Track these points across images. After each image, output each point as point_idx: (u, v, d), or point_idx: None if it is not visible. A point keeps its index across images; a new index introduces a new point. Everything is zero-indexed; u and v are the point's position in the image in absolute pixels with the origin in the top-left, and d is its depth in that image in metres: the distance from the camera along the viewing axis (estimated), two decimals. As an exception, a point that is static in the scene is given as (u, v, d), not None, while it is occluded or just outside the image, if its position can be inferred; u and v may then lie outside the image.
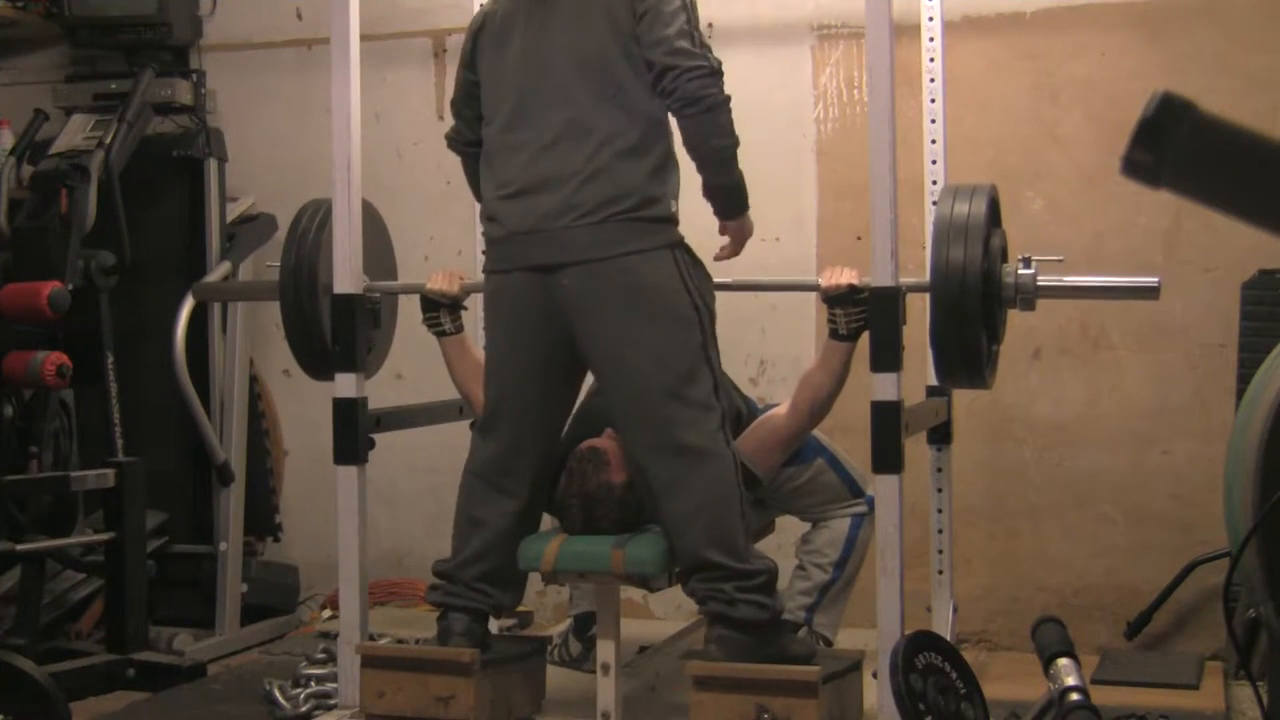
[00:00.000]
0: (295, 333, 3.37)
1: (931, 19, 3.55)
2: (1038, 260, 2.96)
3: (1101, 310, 3.94)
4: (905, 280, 2.93)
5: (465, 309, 3.31)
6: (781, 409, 3.18)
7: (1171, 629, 3.89)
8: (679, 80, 2.82)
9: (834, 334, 3.01)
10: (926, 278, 2.97)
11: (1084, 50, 3.99)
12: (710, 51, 2.86)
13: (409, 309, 3.48)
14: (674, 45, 2.83)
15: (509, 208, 2.94)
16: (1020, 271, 2.93)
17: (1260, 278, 3.70)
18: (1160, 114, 1.35)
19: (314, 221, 3.36)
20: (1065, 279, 3.02)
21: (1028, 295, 2.94)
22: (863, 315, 2.94)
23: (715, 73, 2.85)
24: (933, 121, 3.54)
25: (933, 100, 3.54)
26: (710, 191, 2.96)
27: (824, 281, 3.00)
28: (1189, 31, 3.89)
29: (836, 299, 2.98)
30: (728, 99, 2.88)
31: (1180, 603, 3.83)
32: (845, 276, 2.96)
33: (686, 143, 2.91)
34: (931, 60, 3.55)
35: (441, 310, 3.26)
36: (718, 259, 3.05)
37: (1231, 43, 3.86)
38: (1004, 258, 2.98)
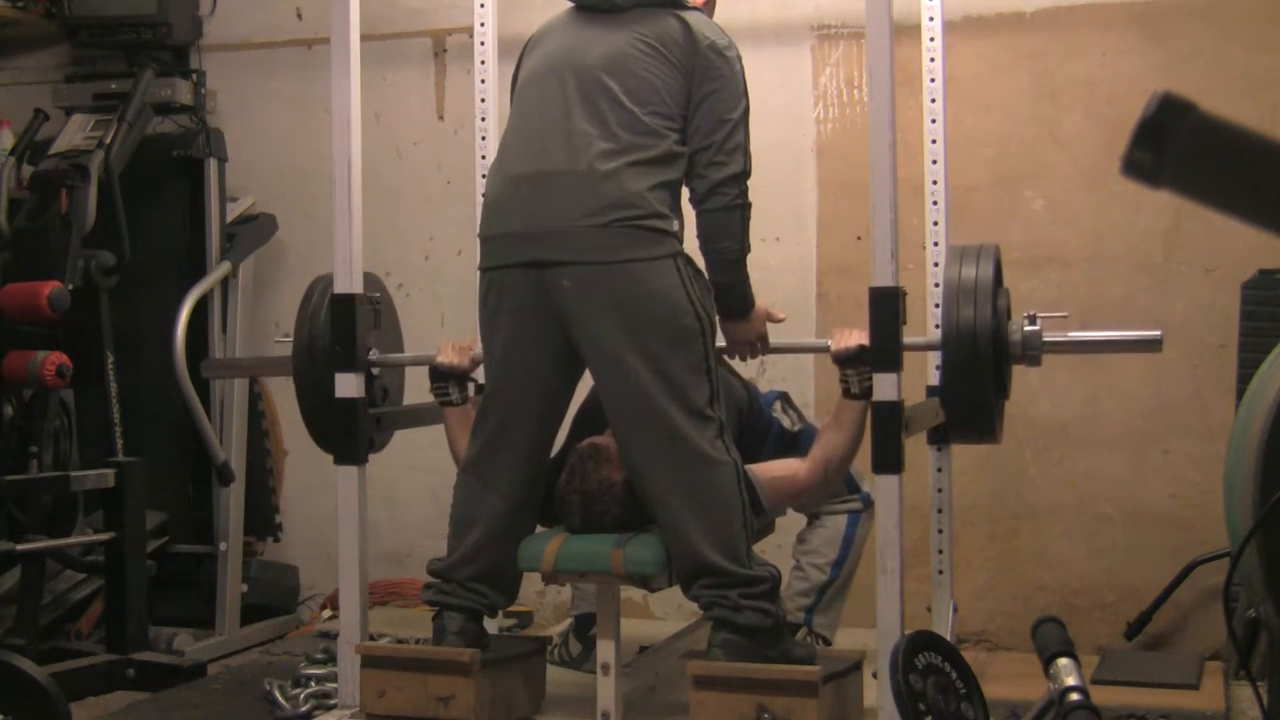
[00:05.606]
0: (310, 407, 3.34)
1: (931, 19, 3.54)
2: (1042, 317, 3.01)
3: (1101, 310, 3.93)
4: (914, 339, 2.97)
5: (474, 381, 3.30)
6: (803, 465, 3.09)
7: (1171, 629, 3.89)
8: (709, 169, 2.88)
9: (846, 393, 3.01)
10: (931, 335, 3.07)
11: (1084, 50, 3.99)
12: (747, 152, 2.91)
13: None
14: (729, 129, 2.87)
15: (513, 200, 2.93)
16: (1026, 329, 2.99)
17: (1260, 278, 3.71)
18: (1160, 114, 1.35)
19: (325, 297, 3.32)
20: (1069, 334, 3.09)
21: (1033, 352, 2.99)
22: (872, 374, 2.93)
23: (742, 175, 2.90)
24: (933, 121, 3.53)
25: (933, 100, 3.53)
26: (713, 288, 2.98)
27: (834, 345, 3.00)
28: (1189, 31, 3.89)
29: (847, 360, 2.98)
30: (747, 205, 2.92)
31: (1180, 603, 3.83)
32: (854, 339, 2.96)
33: (698, 235, 2.94)
34: (931, 60, 3.54)
35: (450, 382, 3.26)
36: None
37: (1231, 43, 3.86)
38: (1009, 316, 3.02)
